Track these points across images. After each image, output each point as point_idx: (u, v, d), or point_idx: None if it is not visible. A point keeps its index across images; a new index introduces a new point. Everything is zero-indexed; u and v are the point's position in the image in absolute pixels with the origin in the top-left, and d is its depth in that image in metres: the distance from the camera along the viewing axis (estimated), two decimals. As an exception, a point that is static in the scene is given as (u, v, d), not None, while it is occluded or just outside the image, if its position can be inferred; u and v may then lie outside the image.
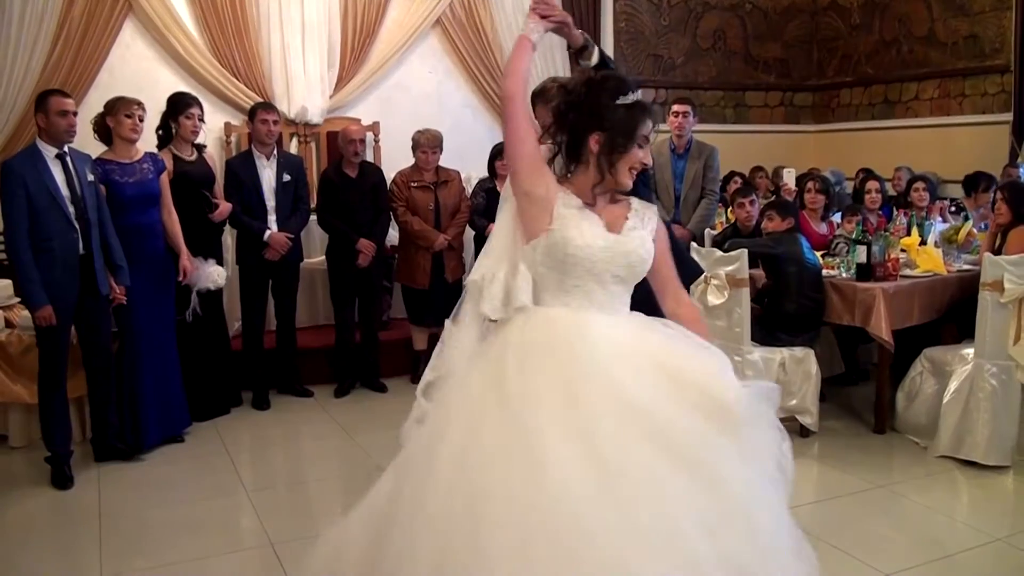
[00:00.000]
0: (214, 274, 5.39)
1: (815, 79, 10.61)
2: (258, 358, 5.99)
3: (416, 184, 6.25)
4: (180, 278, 5.16)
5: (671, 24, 9.85)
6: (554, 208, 2.43)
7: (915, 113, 9.48)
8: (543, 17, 2.66)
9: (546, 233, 2.42)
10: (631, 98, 2.44)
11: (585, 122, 2.45)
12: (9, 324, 5.30)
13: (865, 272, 5.10)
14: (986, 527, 4.03)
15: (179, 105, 5.39)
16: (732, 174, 8.31)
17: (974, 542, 3.90)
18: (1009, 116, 8.35)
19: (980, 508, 4.35)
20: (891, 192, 8.05)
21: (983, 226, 6.25)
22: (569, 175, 2.51)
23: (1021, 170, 7.89)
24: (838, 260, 5.39)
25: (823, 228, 6.25)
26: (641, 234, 2.49)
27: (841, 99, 10.44)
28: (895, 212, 6.57)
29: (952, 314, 5.36)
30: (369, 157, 7.63)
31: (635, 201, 2.57)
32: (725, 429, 2.26)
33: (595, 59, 2.95)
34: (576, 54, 2.98)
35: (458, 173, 6.46)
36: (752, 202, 5.82)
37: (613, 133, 2.42)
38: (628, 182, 2.48)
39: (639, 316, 2.51)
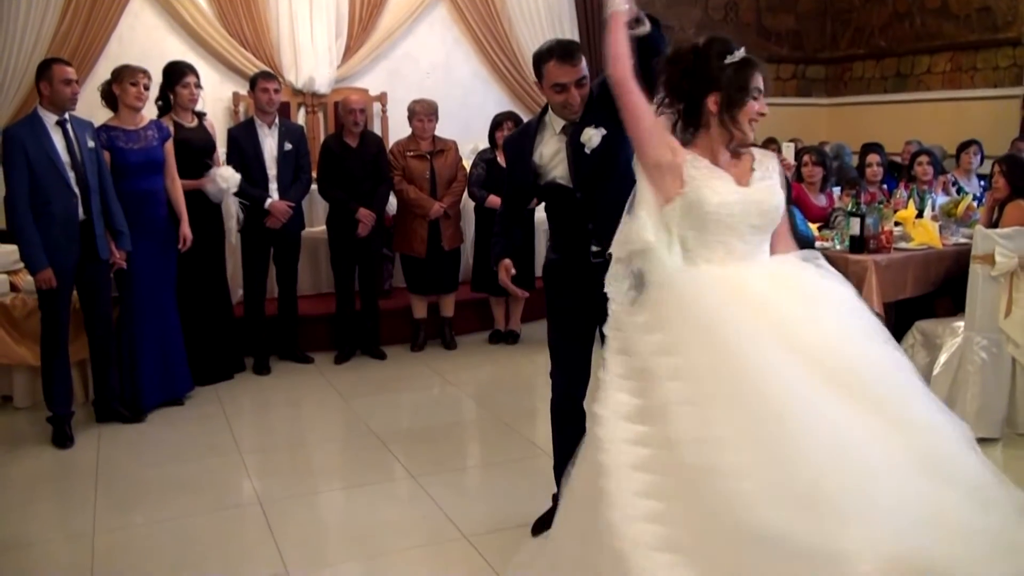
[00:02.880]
0: (223, 176, 5.52)
1: (828, 52, 10.58)
2: (260, 325, 6.07)
3: (412, 153, 6.29)
4: (180, 246, 5.24)
5: (682, -5, 9.84)
6: (683, 171, 2.55)
7: (927, 86, 9.47)
8: None
9: (680, 196, 2.54)
10: (738, 55, 2.57)
11: (700, 86, 2.57)
12: (14, 288, 5.41)
13: (858, 244, 5.10)
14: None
15: (174, 74, 5.46)
16: (740, 147, 8.30)
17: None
18: (1020, 90, 8.38)
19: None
20: (901, 164, 8.02)
21: (978, 188, 6.25)
22: (691, 139, 2.64)
23: (1031, 144, 7.87)
24: (833, 232, 5.40)
25: (822, 201, 6.25)
26: (769, 183, 2.64)
27: (854, 72, 10.41)
28: (898, 185, 6.56)
29: (947, 287, 5.35)
30: (376, 128, 7.71)
31: (756, 152, 2.70)
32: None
33: (648, 27, 2.95)
34: (629, 24, 2.99)
35: (455, 143, 6.49)
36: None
37: (729, 91, 2.54)
38: (751, 134, 2.62)
39: (777, 258, 2.69)
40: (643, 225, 2.58)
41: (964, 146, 7.48)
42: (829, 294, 2.58)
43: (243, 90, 7.59)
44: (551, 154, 3.38)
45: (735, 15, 10.14)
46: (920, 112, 9.36)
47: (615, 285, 2.65)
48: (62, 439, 4.73)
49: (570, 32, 8.71)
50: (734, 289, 2.51)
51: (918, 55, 9.53)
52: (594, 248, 3.30)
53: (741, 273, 2.56)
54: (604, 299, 2.68)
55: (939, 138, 8.41)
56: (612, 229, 2.96)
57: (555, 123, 3.38)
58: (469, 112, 7.94)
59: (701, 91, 2.57)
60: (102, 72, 6.23)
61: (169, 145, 5.23)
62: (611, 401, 2.50)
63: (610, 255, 2.74)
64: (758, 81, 2.58)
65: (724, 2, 10.10)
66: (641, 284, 2.61)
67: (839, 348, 2.42)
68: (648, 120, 2.61)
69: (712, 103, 2.56)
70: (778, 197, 2.65)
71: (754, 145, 2.71)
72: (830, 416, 2.28)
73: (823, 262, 2.66)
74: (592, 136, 3.24)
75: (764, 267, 2.63)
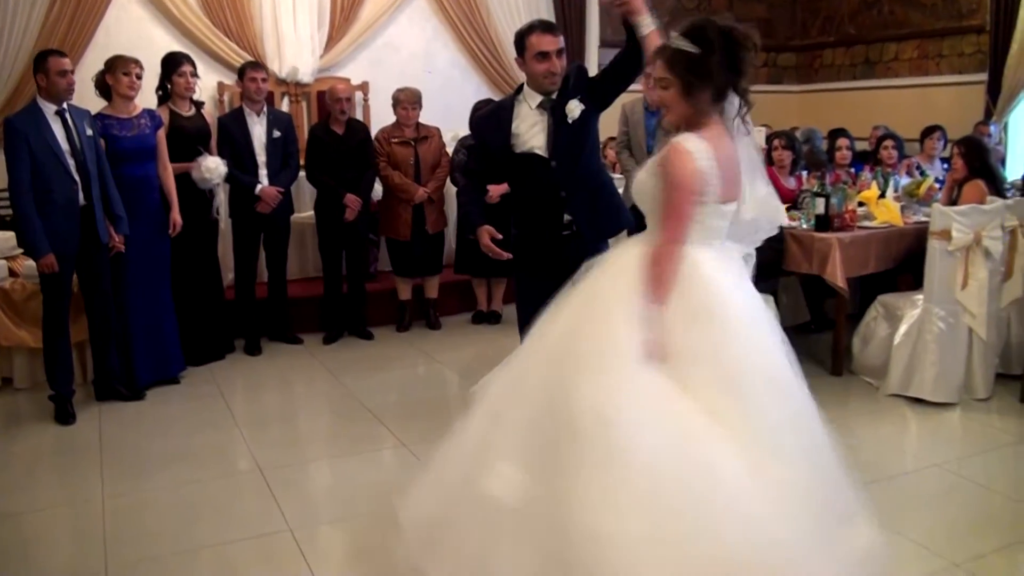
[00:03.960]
0: (208, 167, 5.67)
1: (798, 39, 10.79)
2: (250, 307, 6.28)
3: (397, 140, 6.50)
4: (170, 231, 5.42)
5: (656, -16, 10.02)
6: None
7: (895, 73, 9.69)
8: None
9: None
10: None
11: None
12: (13, 273, 5.59)
13: (823, 223, 5.36)
14: (926, 455, 4.37)
15: (171, 64, 5.67)
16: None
17: (912, 467, 4.25)
18: (985, 76, 8.56)
19: (923, 439, 4.68)
20: (868, 149, 8.28)
21: (941, 171, 6.52)
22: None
23: (992, 127, 8.14)
24: (801, 212, 5.65)
25: (791, 183, 6.49)
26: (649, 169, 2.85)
27: (824, 59, 10.63)
28: (864, 168, 6.82)
29: (909, 264, 5.62)
30: (359, 115, 7.88)
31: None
32: None
33: (652, 24, 3.30)
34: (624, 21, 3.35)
35: (438, 129, 6.71)
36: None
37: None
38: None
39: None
40: None
41: (928, 131, 7.73)
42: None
43: (228, 80, 7.77)
44: (528, 127, 3.72)
45: (707, 3, 10.32)
46: (888, 98, 9.60)
47: None
48: (65, 416, 4.92)
49: (546, 18, 8.91)
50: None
51: (886, 43, 9.75)
52: (566, 218, 3.60)
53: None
54: (572, 271, 2.89)
55: (906, 123, 8.62)
56: (581, 199, 3.32)
57: (531, 99, 3.72)
58: (450, 98, 8.14)
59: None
60: (90, 62, 6.40)
61: (161, 133, 5.41)
62: None
63: (577, 228, 3.02)
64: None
65: (697, -10, 10.30)
66: None
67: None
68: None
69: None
70: (639, 185, 2.78)
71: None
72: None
73: None
74: (575, 108, 3.63)
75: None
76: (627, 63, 3.57)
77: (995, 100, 8.43)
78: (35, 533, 3.69)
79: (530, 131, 3.71)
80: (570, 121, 3.62)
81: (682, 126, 2.69)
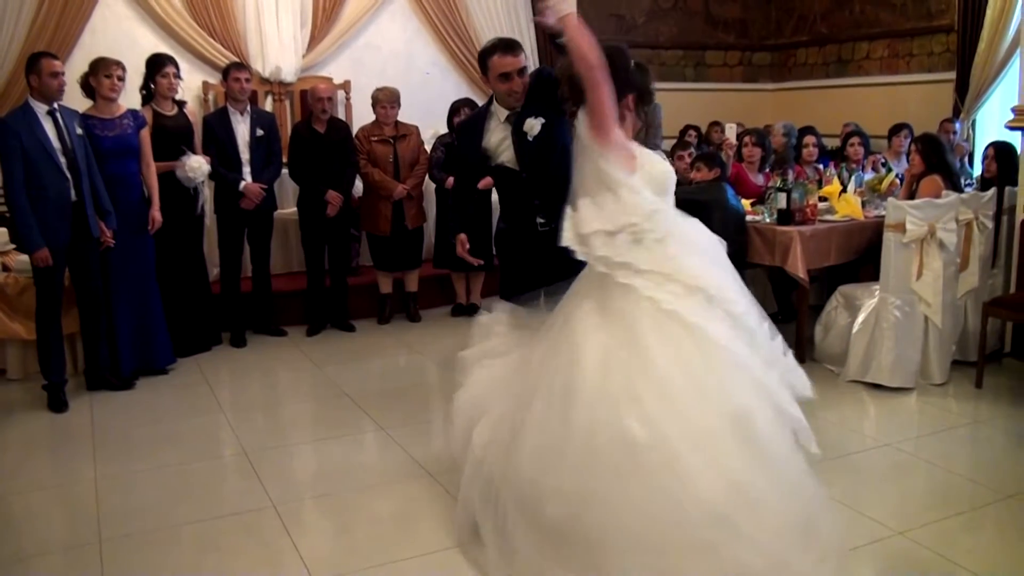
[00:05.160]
0: (192, 167, 5.86)
1: (773, 39, 11.01)
2: (235, 301, 6.47)
3: (376, 138, 6.71)
4: (150, 227, 5.59)
5: (633, -16, 10.24)
6: (631, 148, 3.12)
7: (866, 72, 9.91)
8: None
9: (641, 168, 3.09)
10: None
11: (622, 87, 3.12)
12: (5, 268, 5.77)
13: (785, 217, 5.58)
14: (881, 435, 4.60)
15: (155, 65, 5.87)
16: (687, 128, 8.76)
17: (866, 446, 4.46)
18: (953, 75, 8.73)
19: (879, 421, 4.89)
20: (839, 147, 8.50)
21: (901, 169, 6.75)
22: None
23: (957, 125, 8.38)
24: (764, 207, 5.86)
25: (760, 180, 6.71)
26: None
27: (797, 58, 10.85)
28: (829, 165, 7.04)
29: (870, 255, 5.83)
30: (341, 114, 8.08)
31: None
32: None
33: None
34: (552, 37, 3.46)
35: (416, 128, 6.91)
36: (690, 155, 6.29)
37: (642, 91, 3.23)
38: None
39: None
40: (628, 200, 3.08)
41: (896, 129, 7.94)
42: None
43: (212, 79, 7.93)
44: (498, 141, 3.89)
45: (683, 3, 10.51)
46: (860, 95, 9.82)
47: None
48: (58, 404, 5.12)
49: (525, 21, 9.10)
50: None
51: (857, 42, 9.97)
52: (540, 220, 3.81)
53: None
54: (550, 260, 3.20)
55: (877, 120, 8.83)
56: (555, 203, 3.52)
57: (500, 113, 3.89)
58: (429, 96, 8.32)
59: (623, 91, 3.12)
60: (76, 62, 6.55)
61: (145, 133, 5.58)
62: None
63: (554, 225, 3.27)
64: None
65: (673, -9, 10.51)
66: None
67: None
68: (611, 105, 3.05)
69: (631, 100, 3.19)
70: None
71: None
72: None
73: None
74: (533, 126, 3.77)
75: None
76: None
77: (963, 98, 8.62)
78: (31, 510, 3.90)
79: (500, 145, 3.88)
80: (530, 139, 3.77)
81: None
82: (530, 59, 3.85)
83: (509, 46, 3.80)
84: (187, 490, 4.00)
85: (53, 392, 5.16)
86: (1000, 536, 3.58)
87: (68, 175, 4.98)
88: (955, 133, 8.23)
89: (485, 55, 3.84)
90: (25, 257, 5.25)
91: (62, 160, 4.97)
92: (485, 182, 4.94)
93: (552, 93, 3.68)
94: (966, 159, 8.02)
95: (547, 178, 3.76)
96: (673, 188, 3.20)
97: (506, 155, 3.89)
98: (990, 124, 8.55)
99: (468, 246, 4.03)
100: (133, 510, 3.80)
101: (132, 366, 5.58)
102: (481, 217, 6.23)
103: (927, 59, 9.29)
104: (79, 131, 5.10)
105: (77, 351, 5.71)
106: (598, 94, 3.02)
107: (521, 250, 3.93)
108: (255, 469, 4.20)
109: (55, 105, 5.02)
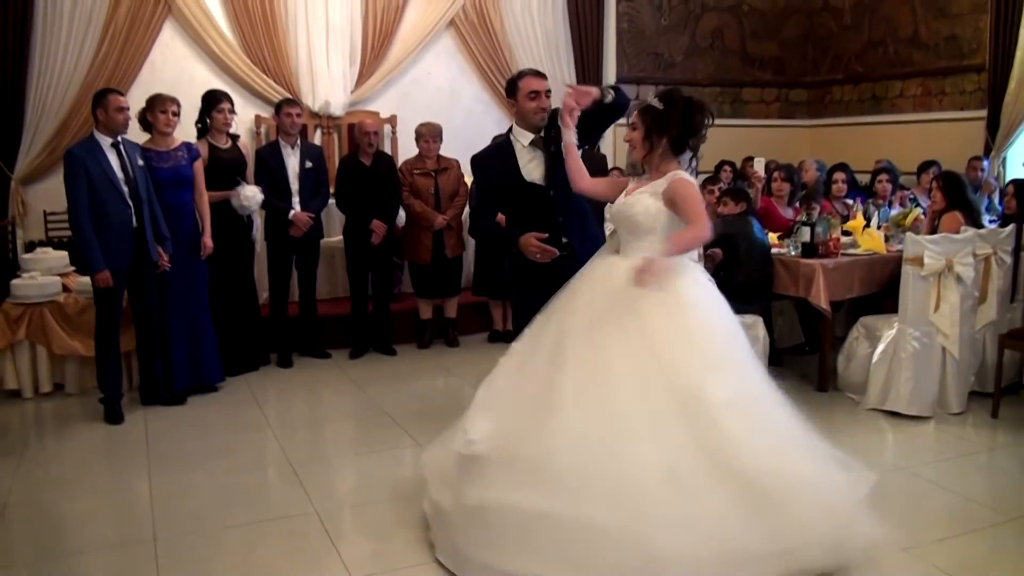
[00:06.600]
0: (246, 195, 6.19)
1: (809, 76, 11.21)
2: (283, 324, 6.79)
3: (419, 171, 7.04)
4: (202, 253, 5.90)
5: (671, 24, 10.50)
6: None
7: (899, 109, 10.06)
8: (577, 104, 3.78)
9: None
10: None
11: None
12: (66, 289, 6.13)
13: (809, 250, 5.78)
14: (896, 461, 4.76)
15: (211, 101, 6.23)
16: (722, 163, 8.97)
17: (882, 471, 4.59)
18: (984, 112, 8.90)
19: (896, 447, 5.05)
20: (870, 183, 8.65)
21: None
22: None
23: (986, 163, 8.53)
24: (790, 240, 6.06)
25: (789, 213, 6.90)
26: (639, 197, 3.56)
27: (833, 95, 11.02)
28: (856, 200, 7.22)
29: (893, 288, 5.99)
30: (387, 148, 8.41)
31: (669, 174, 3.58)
32: None
33: (612, 95, 3.99)
34: (596, 99, 3.93)
35: (457, 161, 7.19)
36: (720, 189, 6.53)
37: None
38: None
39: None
40: None
41: (925, 166, 8.12)
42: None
43: (265, 113, 8.31)
44: (526, 162, 4.25)
45: (721, 42, 10.78)
46: (893, 133, 9.98)
47: None
48: (114, 417, 5.44)
49: (566, 58, 9.48)
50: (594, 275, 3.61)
51: (891, 80, 10.14)
52: (563, 240, 4.13)
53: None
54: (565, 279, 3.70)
55: (909, 156, 8.96)
56: (575, 222, 3.93)
57: (523, 138, 4.27)
58: (472, 131, 8.60)
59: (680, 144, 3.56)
60: (135, 96, 6.88)
61: (198, 164, 5.91)
62: None
63: (573, 247, 3.68)
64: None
65: (711, 30, 10.73)
66: None
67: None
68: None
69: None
70: (638, 207, 3.50)
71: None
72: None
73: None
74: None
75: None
76: (607, 112, 4.08)
77: (994, 135, 8.78)
78: (90, 512, 4.21)
79: (528, 165, 4.24)
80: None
81: (642, 163, 3.33)
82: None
83: (538, 72, 4.31)
84: (236, 497, 4.29)
85: (109, 405, 5.48)
86: (1014, 556, 3.71)
87: (130, 203, 5.34)
88: (983, 171, 8.38)
89: (515, 79, 4.29)
90: (85, 279, 5.60)
91: (125, 189, 5.32)
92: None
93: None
94: (995, 196, 8.14)
95: (569, 197, 4.13)
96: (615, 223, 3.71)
97: (535, 174, 4.26)
98: (1020, 161, 8.69)
99: (544, 235, 4.20)
100: (186, 513, 4.10)
101: (184, 383, 5.89)
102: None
103: (959, 97, 9.43)
104: (140, 162, 5.46)
105: (132, 368, 6.03)
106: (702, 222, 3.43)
107: (539, 274, 4.19)
108: (300, 479, 4.48)
109: (119, 138, 5.38)
